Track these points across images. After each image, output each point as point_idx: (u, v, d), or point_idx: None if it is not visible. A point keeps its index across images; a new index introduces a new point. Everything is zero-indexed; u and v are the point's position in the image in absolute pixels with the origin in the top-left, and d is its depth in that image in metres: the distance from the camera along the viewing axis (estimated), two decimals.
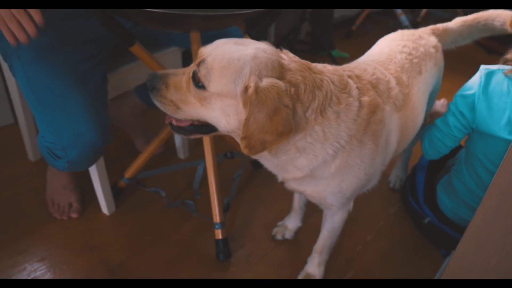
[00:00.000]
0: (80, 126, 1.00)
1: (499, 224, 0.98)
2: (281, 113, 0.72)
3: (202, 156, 1.65)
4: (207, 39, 1.26)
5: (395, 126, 0.95)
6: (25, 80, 1.02)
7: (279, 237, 1.36)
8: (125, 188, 1.47)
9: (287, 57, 0.81)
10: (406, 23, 3.02)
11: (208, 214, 1.33)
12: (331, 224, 1.11)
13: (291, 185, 0.98)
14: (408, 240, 1.42)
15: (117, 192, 1.44)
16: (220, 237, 1.26)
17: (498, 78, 1.12)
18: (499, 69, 1.13)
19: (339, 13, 2.89)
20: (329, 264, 1.23)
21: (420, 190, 1.45)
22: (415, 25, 3.11)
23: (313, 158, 0.84)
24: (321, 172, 0.88)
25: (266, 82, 0.73)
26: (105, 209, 1.41)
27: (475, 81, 1.15)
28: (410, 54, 1.10)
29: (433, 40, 1.21)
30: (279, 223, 1.39)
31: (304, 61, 0.83)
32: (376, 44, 1.23)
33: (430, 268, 1.31)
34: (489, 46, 2.79)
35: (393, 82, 0.96)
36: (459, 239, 1.29)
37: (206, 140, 1.27)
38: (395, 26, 3.27)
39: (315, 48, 2.57)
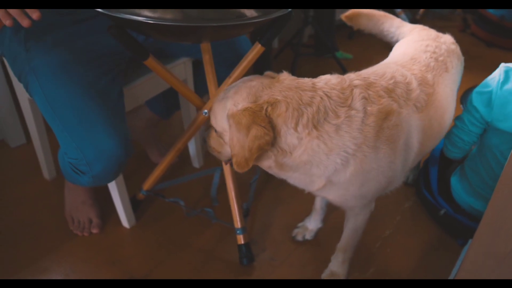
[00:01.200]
0: (103, 141, 1.02)
1: None
2: (254, 130, 0.81)
3: (216, 164, 1.68)
4: (216, 47, 1.30)
5: (415, 128, 0.96)
6: (44, 99, 1.04)
7: (299, 238, 1.38)
8: (143, 200, 1.49)
9: (282, 79, 0.90)
10: (406, 21, 3.05)
11: (228, 220, 1.35)
12: (354, 223, 1.13)
13: (316, 193, 1.02)
14: (425, 233, 1.44)
15: (135, 205, 1.46)
16: (242, 242, 1.28)
17: None
18: None
19: (340, 15, 2.93)
20: (351, 261, 1.25)
21: (434, 183, 1.47)
22: (414, 22, 3.14)
23: (324, 168, 0.89)
24: (338, 179, 0.91)
25: (240, 106, 0.85)
26: (125, 222, 1.43)
27: (493, 78, 1.18)
28: (434, 52, 1.11)
29: (449, 36, 1.23)
30: (299, 224, 1.41)
31: (295, 81, 0.88)
32: (396, 47, 1.25)
33: (449, 258, 1.33)
34: (487, 40, 2.83)
35: (414, 84, 0.97)
36: (475, 228, 1.31)
37: None
38: None
39: (319, 51, 2.60)
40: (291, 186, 1.60)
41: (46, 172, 1.64)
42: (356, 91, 0.88)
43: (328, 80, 0.91)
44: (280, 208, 1.53)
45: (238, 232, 1.28)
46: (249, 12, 1.06)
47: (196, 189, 1.61)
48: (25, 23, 0.84)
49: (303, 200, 1.50)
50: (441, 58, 1.11)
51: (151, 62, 1.07)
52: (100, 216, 1.44)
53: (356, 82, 0.92)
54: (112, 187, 1.34)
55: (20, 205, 1.52)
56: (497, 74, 1.18)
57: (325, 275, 1.24)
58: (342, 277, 1.22)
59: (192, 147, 1.68)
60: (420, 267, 1.31)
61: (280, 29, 1.10)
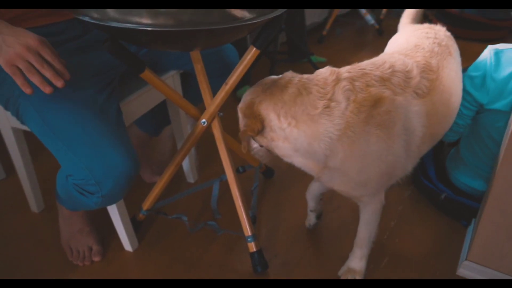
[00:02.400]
0: (112, 157, 0.98)
1: None
2: (246, 120, 1.01)
3: (211, 177, 1.66)
4: (204, 58, 1.28)
5: (416, 113, 0.99)
6: (41, 123, 1.00)
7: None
8: (143, 220, 1.44)
9: (283, 76, 1.03)
10: (372, 21, 3.16)
11: (234, 230, 1.32)
12: (365, 216, 1.14)
13: (322, 181, 1.05)
14: (429, 219, 1.46)
15: (136, 226, 1.41)
16: (254, 249, 1.26)
17: (508, 56, 1.19)
18: (507, 48, 1.21)
19: (308, 20, 3.00)
20: (368, 257, 1.25)
21: (431, 169, 1.50)
22: (379, 22, 3.26)
23: (313, 153, 0.97)
24: (333, 164, 0.98)
25: (242, 104, 1.05)
26: (128, 246, 1.37)
27: (483, 61, 1.23)
28: (436, 38, 1.14)
29: (440, 26, 1.27)
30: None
31: (287, 79, 1.01)
32: (391, 41, 1.28)
33: (457, 240, 1.36)
34: (465, 37, 2.92)
35: (415, 72, 1.00)
36: (476, 207, 1.35)
37: (224, 156, 1.27)
38: (362, 26, 3.43)
39: (294, 56, 2.63)
40: (289, 190, 1.61)
41: (34, 205, 1.55)
42: (342, 84, 0.95)
43: (315, 76, 1.00)
44: (283, 212, 1.52)
45: (249, 239, 1.26)
46: (241, 14, 1.06)
47: (194, 203, 1.57)
48: (47, 90, 0.86)
49: (304, 200, 1.50)
50: (443, 43, 1.14)
51: (147, 74, 1.05)
52: (100, 242, 1.38)
53: (345, 75, 0.97)
54: (112, 209, 1.29)
55: (11, 242, 1.43)
56: (487, 57, 1.23)
57: (342, 272, 1.23)
58: (359, 274, 1.21)
59: (185, 162, 1.65)
60: (430, 252, 1.33)
61: (273, 30, 1.10)
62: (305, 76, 1.01)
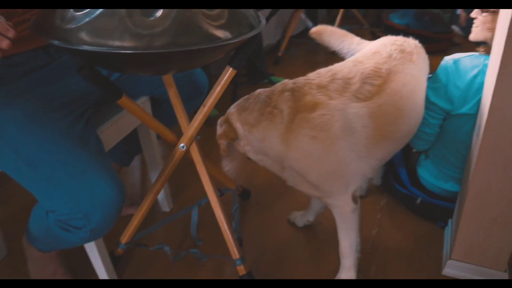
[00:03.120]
0: (98, 187, 0.93)
1: (495, 178, 1.10)
2: (222, 127, 1.13)
3: (187, 203, 1.62)
4: (174, 81, 1.27)
5: (354, 115, 1.06)
6: (15, 158, 0.93)
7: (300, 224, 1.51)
8: (121, 255, 1.37)
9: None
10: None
11: (218, 254, 1.29)
12: (338, 220, 1.18)
13: (287, 182, 1.16)
14: (407, 224, 1.51)
15: (115, 262, 1.33)
16: (244, 272, 1.23)
17: (465, 63, 1.27)
18: (462, 57, 1.30)
19: (266, 42, 3.07)
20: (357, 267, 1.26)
21: (404, 176, 1.55)
22: None
23: (267, 155, 1.10)
24: (287, 164, 1.09)
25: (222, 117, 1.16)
26: None
27: (443, 71, 1.30)
28: (401, 45, 1.21)
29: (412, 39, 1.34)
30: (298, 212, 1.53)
31: (247, 98, 1.13)
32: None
33: (436, 241, 1.41)
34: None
35: (357, 78, 1.09)
36: (451, 208, 1.41)
37: (206, 180, 1.24)
38: (315, 46, 3.54)
39: (254, 78, 2.66)
40: (272, 209, 1.60)
41: None
42: (284, 94, 1.07)
43: (270, 88, 1.13)
44: (268, 232, 1.50)
45: (237, 262, 1.23)
46: (223, 34, 1.06)
47: (173, 232, 1.52)
48: (4, 44, 0.74)
49: (284, 218, 1.50)
50: (408, 50, 1.21)
51: (125, 100, 1.02)
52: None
53: (289, 86, 1.09)
54: (90, 246, 1.21)
55: None
56: (447, 67, 1.31)
57: None
58: None
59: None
60: (414, 255, 1.36)
61: (249, 50, 1.11)
62: (266, 89, 1.14)
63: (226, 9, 0.93)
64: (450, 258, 1.25)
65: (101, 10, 0.80)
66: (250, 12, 1.03)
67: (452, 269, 1.26)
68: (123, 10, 0.80)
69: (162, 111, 1.44)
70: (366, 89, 1.08)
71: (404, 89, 1.14)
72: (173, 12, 0.83)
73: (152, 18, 0.82)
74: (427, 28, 3.07)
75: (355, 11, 3.67)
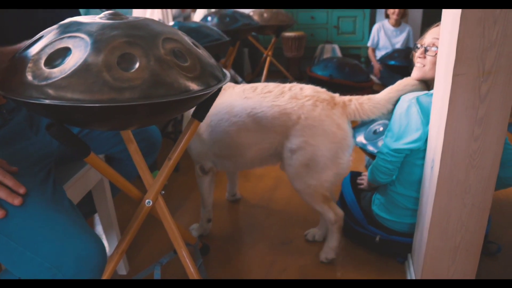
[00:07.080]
0: (82, 250, 0.83)
1: (454, 207, 1.18)
2: None
3: (144, 264, 1.50)
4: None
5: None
6: None
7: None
8: None
9: None
10: (243, 82, 3.38)
11: None
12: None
13: None
14: (368, 262, 1.54)
15: None
16: None
17: (425, 103, 1.34)
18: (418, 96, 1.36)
19: None
20: None
21: (361, 216, 1.60)
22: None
23: None
24: None
25: None
26: None
27: (412, 122, 1.35)
28: (291, 86, 1.53)
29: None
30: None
31: None
32: None
33: (399, 276, 1.45)
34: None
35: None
36: (409, 243, 1.47)
37: (174, 234, 1.18)
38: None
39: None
40: (232, 262, 1.54)
41: None
42: None
43: None
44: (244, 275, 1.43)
45: None
46: (192, 86, 1.05)
47: None
48: (16, 202, 0.82)
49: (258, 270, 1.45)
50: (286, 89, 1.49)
51: (92, 157, 0.95)
52: None
53: None
54: None
55: None
56: (413, 114, 1.35)
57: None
58: None
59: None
60: None
61: (212, 102, 1.11)
62: None
63: (198, 61, 0.94)
64: None
65: (75, 66, 0.76)
66: (215, 64, 1.04)
67: None
68: (100, 64, 0.76)
69: (116, 169, 1.37)
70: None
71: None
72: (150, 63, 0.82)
73: (130, 72, 0.80)
74: (349, 78, 3.34)
75: (279, 65, 3.88)
